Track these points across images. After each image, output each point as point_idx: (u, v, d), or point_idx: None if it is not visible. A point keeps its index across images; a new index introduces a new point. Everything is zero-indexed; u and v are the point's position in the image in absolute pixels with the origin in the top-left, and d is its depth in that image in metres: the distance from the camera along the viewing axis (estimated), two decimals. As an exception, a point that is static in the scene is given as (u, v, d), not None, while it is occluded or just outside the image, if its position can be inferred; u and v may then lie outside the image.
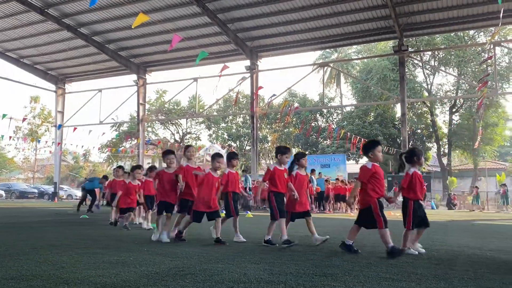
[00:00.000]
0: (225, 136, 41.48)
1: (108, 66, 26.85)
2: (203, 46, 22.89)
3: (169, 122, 39.82)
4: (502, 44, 24.39)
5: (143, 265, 4.17)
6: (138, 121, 27.22)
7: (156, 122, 39.59)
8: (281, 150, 6.19)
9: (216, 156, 6.45)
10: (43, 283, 3.31)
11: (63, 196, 36.42)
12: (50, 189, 35.11)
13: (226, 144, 41.27)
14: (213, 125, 41.04)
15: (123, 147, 36.66)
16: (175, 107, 38.90)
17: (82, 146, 28.19)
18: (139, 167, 9.27)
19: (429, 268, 4.24)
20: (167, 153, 6.94)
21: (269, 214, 6.21)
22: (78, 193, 32.43)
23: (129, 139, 38.24)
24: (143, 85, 27.11)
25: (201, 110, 35.17)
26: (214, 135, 41.88)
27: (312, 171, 18.07)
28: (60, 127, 28.11)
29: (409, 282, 3.52)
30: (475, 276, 3.85)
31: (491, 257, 5.09)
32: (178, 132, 41.00)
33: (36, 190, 37.28)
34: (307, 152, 36.54)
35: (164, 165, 6.97)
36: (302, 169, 6.25)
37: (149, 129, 39.54)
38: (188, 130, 41.19)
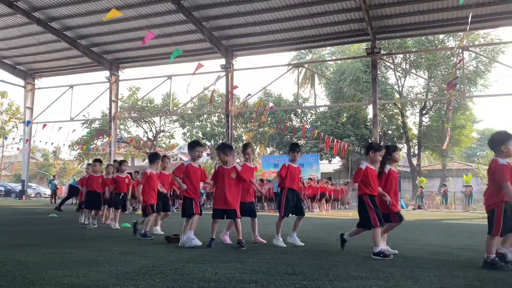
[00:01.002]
0: (200, 135, 41.22)
1: (80, 62, 26.25)
2: (177, 44, 22.68)
3: (142, 120, 39.27)
4: (469, 48, 25.13)
5: (113, 265, 4.11)
6: (110, 119, 26.74)
7: (129, 119, 38.98)
8: (374, 147, 5.33)
9: (226, 149, 5.89)
10: (8, 284, 3.23)
11: (31, 194, 35.52)
12: (17, 187, 34.16)
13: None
14: (187, 124, 40.71)
15: (94, 145, 35.91)
16: (149, 104, 38.36)
17: (52, 143, 27.45)
18: (166, 156, 8.04)
19: (397, 266, 4.34)
20: (196, 144, 6.10)
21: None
22: (47, 191, 31.68)
23: (101, 137, 37.46)
24: (115, 81, 26.64)
25: (175, 108, 34.85)
26: (188, 134, 41.55)
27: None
28: (28, 123, 27.32)
29: (377, 280, 3.60)
30: (440, 273, 3.97)
31: (456, 255, 5.26)
32: (151, 130, 40.47)
33: (2, 188, 36.26)
34: (281, 152, 36.76)
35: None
36: (394, 165, 5.52)
37: (122, 126, 38.88)
38: (162, 128, 40.72)
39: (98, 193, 8.72)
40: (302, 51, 38.96)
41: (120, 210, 8.91)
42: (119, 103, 30.41)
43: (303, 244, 5.81)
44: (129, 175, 9.17)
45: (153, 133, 40.35)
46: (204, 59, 23.63)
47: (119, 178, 8.77)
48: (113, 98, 26.45)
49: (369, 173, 5.13)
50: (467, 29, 17.30)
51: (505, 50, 30.48)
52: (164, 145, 41.19)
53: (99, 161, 9.35)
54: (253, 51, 23.98)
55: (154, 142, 39.61)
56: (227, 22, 21.18)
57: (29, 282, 3.29)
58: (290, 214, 6.08)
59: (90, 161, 11.16)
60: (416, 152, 37.43)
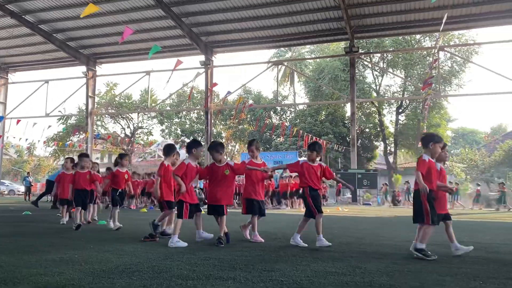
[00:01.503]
0: (178, 131, 40.93)
1: (56, 56, 25.70)
2: (157, 39, 22.45)
3: (120, 116, 38.74)
4: (445, 49, 25.66)
5: (89, 263, 4.05)
6: (86, 114, 26.31)
7: (106, 115, 38.41)
8: (435, 139, 4.96)
9: (219, 147, 5.91)
10: (-21, 283, 3.15)
11: (4, 191, 34.69)
12: (-11, 184, 33.31)
13: (179, 140, 40.74)
14: (166, 120, 40.34)
15: (70, 141, 35.26)
16: (126, 100, 37.84)
17: (26, 139, 26.74)
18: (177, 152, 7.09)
19: (373, 262, 4.41)
20: (200, 144, 6.16)
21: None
22: (21, 188, 30.97)
23: (77, 133, 36.80)
24: (92, 77, 26.21)
25: (153, 104, 34.51)
26: (167, 131, 41.20)
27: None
28: (1, 119, 26.61)
29: (353, 276, 3.65)
30: (414, 269, 4.05)
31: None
32: (129, 127, 39.96)
33: (-27, 185, 35.22)
34: (260, 149, 36.78)
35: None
36: (442, 162, 5.15)
37: (98, 123, 38.27)
38: (140, 125, 40.24)
39: (86, 190, 8.06)
40: (282, 49, 39.11)
41: (118, 207, 8.00)
42: (96, 99, 29.93)
43: (306, 245, 5.57)
44: (128, 171, 8.29)
45: (130, 129, 39.85)
46: (183, 55, 23.49)
47: (118, 173, 7.96)
48: (90, 94, 26.03)
49: (431, 167, 4.86)
50: (441, 30, 17.68)
51: (479, 50, 31.28)
52: (142, 142, 40.72)
53: (87, 156, 8.53)
54: (233, 48, 23.94)
55: (132, 138, 39.13)
56: (206, 18, 21.07)
57: (1, 282, 3.21)
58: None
59: (68, 156, 10.42)
60: (393, 150, 38.08)
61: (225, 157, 6.05)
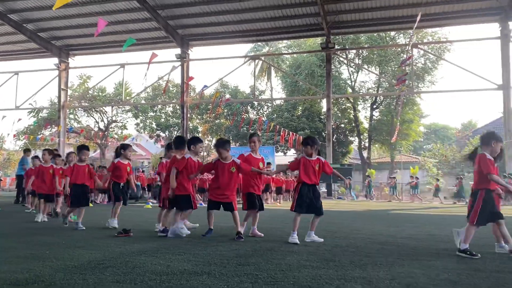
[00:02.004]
0: (154, 125, 40.44)
1: (26, 47, 24.94)
2: (132, 32, 22.06)
3: (93, 110, 37.98)
4: (419, 46, 26.14)
5: (60, 259, 3.97)
6: (59, 107, 25.69)
7: (79, 109, 37.59)
8: (497, 137, 4.81)
9: (226, 145, 6.12)
10: None
11: (-29, 186, 33.54)
12: (-44, 178, 32.09)
13: (154, 134, 40.27)
14: (140, 114, 39.77)
15: (42, 135, 34.38)
16: (100, 93, 37.11)
17: (-5, 133, 25.99)
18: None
19: (346, 255, 4.48)
20: (198, 141, 6.24)
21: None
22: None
23: (49, 126, 35.89)
24: (65, 69, 25.57)
25: (128, 97, 33.99)
26: (141, 124, 40.64)
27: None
28: (-32, 111, 25.73)
29: (327, 270, 3.70)
30: (386, 262, 4.13)
31: (402, 244, 5.49)
32: (102, 120, 39.22)
33: None
34: (237, 144, 36.77)
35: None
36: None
37: (71, 116, 37.42)
38: (114, 119, 39.55)
39: (86, 186, 7.24)
40: (259, 43, 39.03)
41: (121, 203, 7.25)
42: (69, 92, 29.24)
43: (322, 240, 5.62)
44: (130, 163, 7.55)
45: (104, 123, 39.15)
46: (159, 48, 23.16)
47: (120, 165, 7.20)
48: (62, 86, 25.40)
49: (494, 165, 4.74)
50: (414, 27, 18.00)
51: (451, 48, 32.03)
52: (116, 136, 40.07)
53: (87, 148, 7.59)
54: (209, 41, 23.76)
55: (106, 132, 38.45)
56: (182, 11, 20.81)
57: (-32, 279, 3.12)
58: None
59: (45, 148, 9.90)
60: (367, 145, 38.71)
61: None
